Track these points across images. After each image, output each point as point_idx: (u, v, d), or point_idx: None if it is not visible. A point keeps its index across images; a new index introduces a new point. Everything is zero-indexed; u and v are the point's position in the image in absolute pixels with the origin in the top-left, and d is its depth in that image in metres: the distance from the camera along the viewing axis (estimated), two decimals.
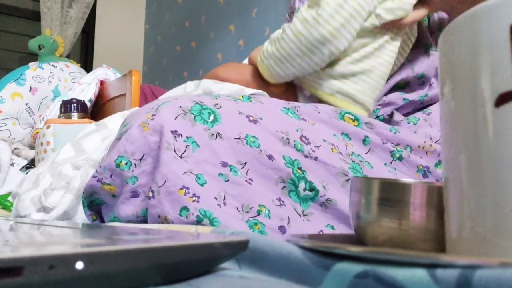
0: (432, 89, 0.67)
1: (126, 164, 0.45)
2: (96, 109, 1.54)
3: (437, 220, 0.28)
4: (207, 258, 0.24)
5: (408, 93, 0.66)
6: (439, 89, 0.26)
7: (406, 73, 0.67)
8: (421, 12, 0.64)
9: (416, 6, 0.64)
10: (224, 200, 0.43)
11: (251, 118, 0.47)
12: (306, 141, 0.48)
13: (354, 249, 0.23)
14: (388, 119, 0.65)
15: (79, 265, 0.17)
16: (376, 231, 0.30)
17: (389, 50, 0.64)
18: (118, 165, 0.45)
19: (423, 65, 0.67)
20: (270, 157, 0.45)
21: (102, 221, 0.50)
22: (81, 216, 0.62)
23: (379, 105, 0.66)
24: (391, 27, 0.63)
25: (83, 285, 0.18)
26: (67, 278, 0.17)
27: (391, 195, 0.29)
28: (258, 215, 0.43)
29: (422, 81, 0.67)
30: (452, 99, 0.24)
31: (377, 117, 0.65)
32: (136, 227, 0.36)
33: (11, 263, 0.16)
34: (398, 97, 0.65)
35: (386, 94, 0.67)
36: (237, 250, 0.25)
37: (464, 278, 0.18)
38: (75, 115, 1.22)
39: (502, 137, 0.21)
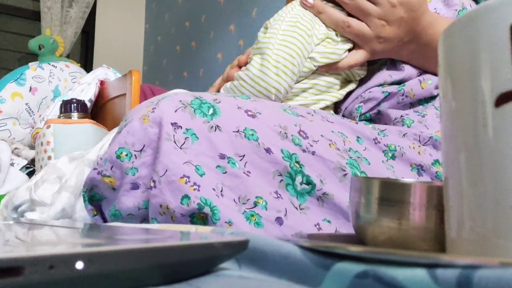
0: (408, 79, 0.64)
1: (126, 155, 0.45)
2: (96, 109, 1.54)
3: (437, 220, 0.28)
4: (207, 258, 0.24)
5: (386, 87, 0.64)
6: (440, 88, 0.26)
7: (383, 79, 0.65)
8: (359, 56, 0.61)
9: (353, 49, 0.62)
10: (221, 191, 0.43)
11: (249, 113, 0.48)
12: (304, 136, 0.48)
13: (354, 249, 0.23)
14: (377, 117, 0.64)
15: (79, 265, 0.17)
16: (376, 231, 0.30)
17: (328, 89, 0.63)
18: (118, 157, 0.45)
19: (399, 75, 0.65)
20: (268, 150, 0.46)
21: (103, 216, 0.50)
22: (81, 215, 0.62)
23: (360, 102, 0.64)
24: (328, 70, 0.62)
25: (83, 285, 0.18)
26: (67, 278, 0.17)
27: (391, 195, 0.29)
28: (255, 206, 0.43)
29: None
30: (452, 99, 0.24)
31: (361, 115, 0.64)
32: (136, 227, 0.36)
33: (11, 263, 0.16)
34: (377, 91, 0.64)
35: (365, 91, 0.65)
36: (237, 250, 0.25)
37: (464, 278, 0.18)
38: (75, 115, 1.22)
39: (502, 137, 0.21)
